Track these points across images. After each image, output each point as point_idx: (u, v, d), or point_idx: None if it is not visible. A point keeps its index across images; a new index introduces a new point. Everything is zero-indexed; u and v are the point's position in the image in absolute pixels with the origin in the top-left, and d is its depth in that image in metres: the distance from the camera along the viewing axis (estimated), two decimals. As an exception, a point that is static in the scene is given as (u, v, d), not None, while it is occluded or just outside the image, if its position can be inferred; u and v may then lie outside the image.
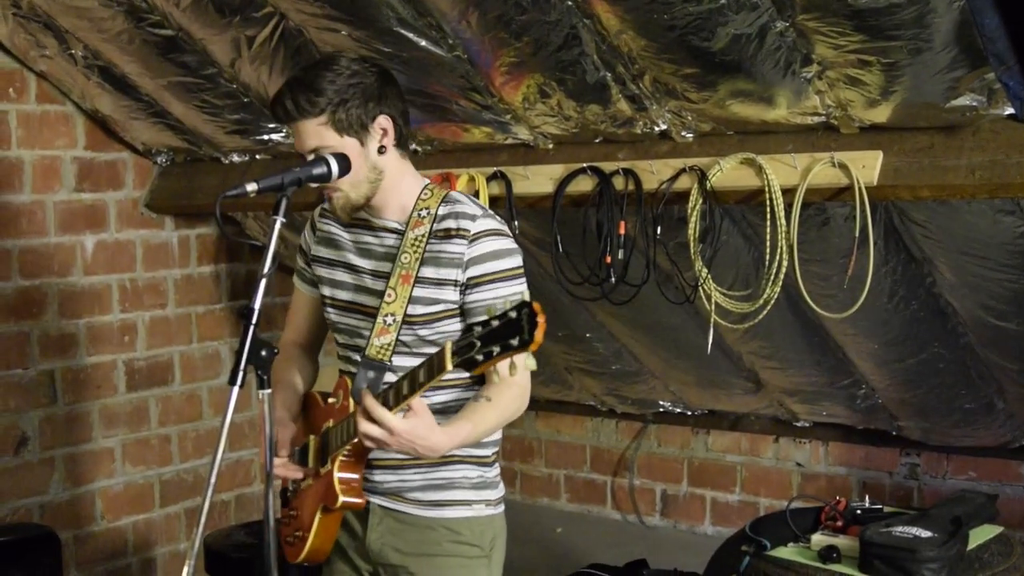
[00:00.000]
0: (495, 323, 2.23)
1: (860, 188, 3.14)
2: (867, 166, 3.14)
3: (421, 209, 2.66)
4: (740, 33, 2.97)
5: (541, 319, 2.16)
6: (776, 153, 3.29)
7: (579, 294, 3.82)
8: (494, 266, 2.61)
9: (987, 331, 3.64)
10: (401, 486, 2.70)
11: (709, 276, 3.52)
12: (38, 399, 4.50)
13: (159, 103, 4.39)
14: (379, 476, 2.70)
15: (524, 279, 2.65)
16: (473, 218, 2.63)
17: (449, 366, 2.30)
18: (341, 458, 2.63)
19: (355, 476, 2.65)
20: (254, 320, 2.44)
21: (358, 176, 2.60)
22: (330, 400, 2.70)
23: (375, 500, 2.71)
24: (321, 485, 2.67)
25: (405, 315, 2.62)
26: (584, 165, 3.61)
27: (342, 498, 2.62)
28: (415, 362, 2.52)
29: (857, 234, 3.21)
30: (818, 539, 3.53)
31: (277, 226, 2.47)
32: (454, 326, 2.64)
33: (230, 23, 3.74)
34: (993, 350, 3.73)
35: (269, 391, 2.47)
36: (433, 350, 2.57)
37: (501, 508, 2.80)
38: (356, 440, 2.54)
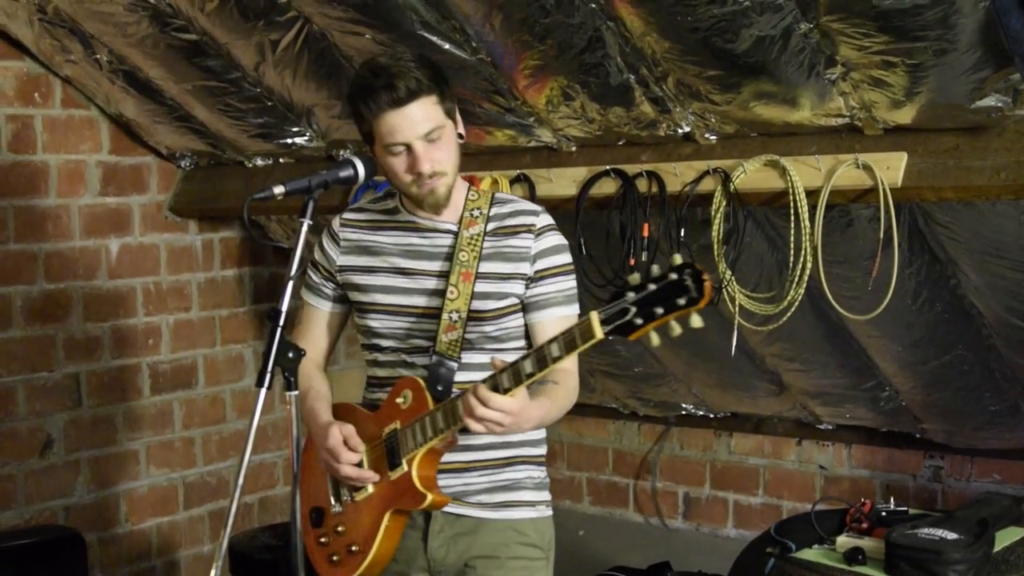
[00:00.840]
0: (651, 286, 2.24)
1: (884, 190, 3.13)
2: (891, 167, 3.13)
3: (472, 209, 2.70)
4: (764, 35, 2.97)
5: (707, 276, 2.20)
6: (800, 155, 3.28)
7: (602, 296, 3.81)
8: (558, 260, 2.70)
9: (1012, 333, 3.62)
10: (465, 489, 2.68)
11: (733, 278, 3.52)
12: (63, 402, 4.53)
13: (183, 107, 4.41)
14: (442, 481, 2.66)
15: (575, 274, 2.74)
16: (536, 213, 2.72)
17: (599, 334, 2.30)
18: (420, 457, 2.59)
19: (433, 474, 2.62)
20: (281, 322, 2.45)
21: (449, 157, 2.61)
22: (397, 401, 2.65)
23: None
24: (390, 489, 2.63)
25: (470, 311, 2.63)
26: (607, 167, 3.62)
27: (431, 496, 2.58)
28: (479, 358, 2.57)
29: (881, 236, 3.21)
30: (843, 541, 3.53)
31: (304, 229, 2.49)
32: (517, 322, 2.70)
33: (254, 27, 3.75)
34: (1018, 352, 3.71)
35: (297, 392, 2.48)
36: (495, 346, 2.64)
37: (551, 509, 2.83)
38: (445, 433, 2.53)
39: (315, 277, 2.84)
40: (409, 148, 2.56)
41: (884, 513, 3.67)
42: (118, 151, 4.70)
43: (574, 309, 2.74)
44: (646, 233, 3.55)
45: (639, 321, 2.25)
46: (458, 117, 2.66)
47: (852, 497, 4.19)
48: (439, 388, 2.62)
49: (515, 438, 2.69)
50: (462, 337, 2.64)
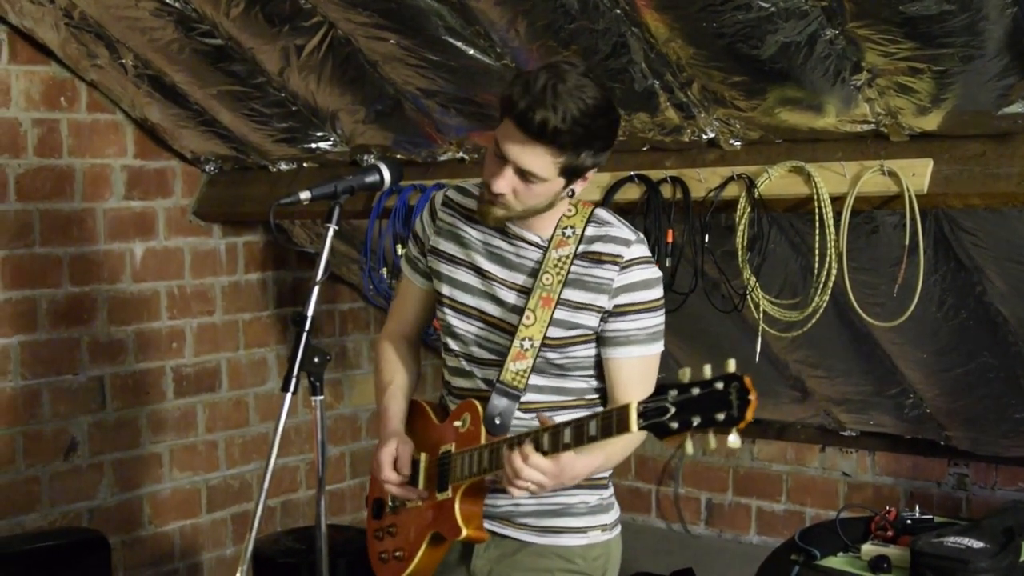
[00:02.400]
0: (695, 391, 2.08)
1: (910, 196, 3.12)
2: (917, 174, 3.12)
3: (566, 227, 2.55)
4: (789, 41, 2.96)
5: (753, 396, 2.02)
6: (825, 161, 3.28)
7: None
8: (642, 296, 2.52)
9: (1038, 340, 3.61)
10: (514, 511, 2.61)
11: (757, 284, 3.51)
12: (87, 405, 4.55)
13: (208, 112, 4.43)
14: (491, 500, 2.59)
15: (664, 310, 2.57)
16: (627, 243, 2.53)
17: (634, 429, 2.16)
18: (465, 488, 2.54)
19: (477, 509, 2.57)
20: (307, 327, 2.45)
21: (530, 203, 2.47)
22: (455, 424, 2.58)
23: (484, 524, 2.60)
24: (435, 511, 2.59)
25: (544, 339, 2.51)
26: (631, 173, 3.61)
27: (466, 531, 2.53)
28: (539, 380, 2.50)
29: (907, 242, 3.19)
30: (868, 549, 3.52)
31: (330, 234, 2.48)
32: (586, 351, 2.56)
33: (279, 33, 3.77)
34: (1044, 360, 3.70)
35: (321, 397, 2.48)
36: (559, 372, 2.54)
37: (617, 531, 2.71)
38: (491, 476, 2.47)
39: (414, 250, 2.74)
40: (505, 161, 2.41)
41: (909, 521, 3.66)
42: (143, 155, 4.72)
43: (656, 348, 2.57)
44: (670, 239, 3.55)
45: (674, 425, 2.10)
46: (586, 176, 2.48)
47: (875, 504, 4.17)
48: (496, 423, 2.52)
49: None
50: (531, 368, 2.52)
